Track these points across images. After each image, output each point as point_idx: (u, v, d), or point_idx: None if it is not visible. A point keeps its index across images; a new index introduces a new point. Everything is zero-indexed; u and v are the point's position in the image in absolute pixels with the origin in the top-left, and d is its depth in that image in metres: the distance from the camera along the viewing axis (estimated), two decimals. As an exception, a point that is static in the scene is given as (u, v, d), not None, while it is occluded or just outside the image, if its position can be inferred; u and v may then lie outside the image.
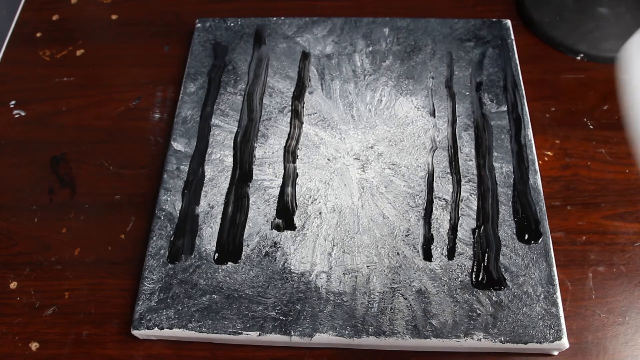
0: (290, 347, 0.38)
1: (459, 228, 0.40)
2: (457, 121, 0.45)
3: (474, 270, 0.38)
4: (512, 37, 0.49)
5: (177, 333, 0.36)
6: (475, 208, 0.40)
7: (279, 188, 0.42)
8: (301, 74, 0.48)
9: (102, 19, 0.55)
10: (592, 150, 0.45)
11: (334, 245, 0.39)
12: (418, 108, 0.45)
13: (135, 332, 0.37)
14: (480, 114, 0.45)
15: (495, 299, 0.37)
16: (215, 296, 0.37)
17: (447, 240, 0.39)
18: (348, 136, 0.44)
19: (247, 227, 0.40)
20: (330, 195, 0.41)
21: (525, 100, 0.45)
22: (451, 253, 0.39)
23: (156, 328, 0.36)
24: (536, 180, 0.41)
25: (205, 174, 0.43)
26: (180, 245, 0.40)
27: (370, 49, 0.49)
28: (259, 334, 0.36)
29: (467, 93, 0.46)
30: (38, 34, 0.54)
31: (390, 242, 0.39)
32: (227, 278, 0.38)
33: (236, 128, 0.45)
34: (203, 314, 0.37)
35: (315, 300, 0.37)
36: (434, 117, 0.45)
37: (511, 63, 0.47)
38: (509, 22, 0.50)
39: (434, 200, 0.41)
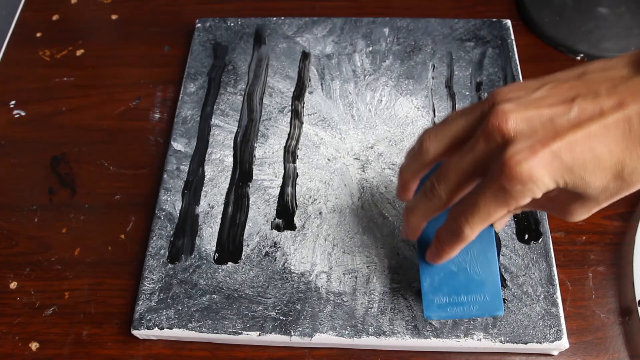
0: (290, 347, 0.37)
1: (459, 228, 0.40)
2: (457, 121, 0.44)
3: (474, 270, 0.38)
4: (512, 37, 0.49)
5: (177, 333, 0.36)
6: (475, 208, 0.40)
7: (279, 188, 0.42)
8: (301, 74, 0.48)
9: (102, 19, 0.55)
10: (592, 150, 0.45)
11: (334, 246, 0.39)
12: (418, 108, 0.45)
13: (135, 332, 0.37)
14: (480, 114, 0.45)
15: (495, 299, 0.37)
16: (215, 296, 0.37)
17: (447, 240, 0.39)
18: (348, 136, 0.44)
19: (247, 227, 0.40)
20: (330, 195, 0.41)
21: (525, 100, 0.45)
22: (451, 253, 0.39)
23: (156, 328, 0.36)
24: (536, 180, 0.41)
25: (205, 174, 0.43)
26: (180, 245, 0.40)
27: (370, 49, 0.49)
28: (259, 334, 0.36)
29: (467, 93, 0.46)
30: (38, 34, 0.54)
31: (390, 242, 0.39)
32: (227, 278, 0.38)
33: (236, 128, 0.45)
34: (203, 314, 0.37)
35: (315, 300, 0.37)
36: (435, 116, 0.45)
37: (511, 63, 0.47)
38: (509, 22, 0.50)
39: (434, 200, 0.41)
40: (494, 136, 0.25)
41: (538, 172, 0.24)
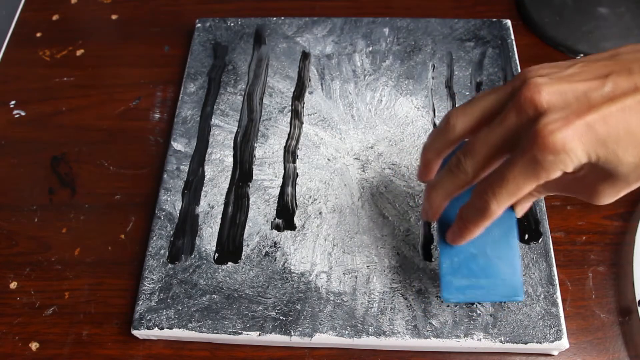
0: (290, 347, 0.38)
1: (459, 228, 0.40)
2: (457, 121, 0.44)
3: (474, 270, 0.38)
4: (512, 37, 0.49)
5: (177, 333, 0.36)
6: (475, 208, 0.40)
7: (279, 188, 0.42)
8: (301, 74, 0.48)
9: (102, 19, 0.55)
10: (592, 150, 0.45)
11: (334, 245, 0.39)
12: (418, 108, 0.45)
13: (135, 332, 0.37)
14: (480, 114, 0.45)
15: (495, 299, 0.37)
16: (215, 296, 0.37)
17: (447, 240, 0.39)
18: (348, 136, 0.44)
19: (247, 227, 0.40)
20: (330, 195, 0.41)
21: (525, 100, 0.45)
22: (451, 253, 0.39)
23: (156, 328, 0.36)
24: (536, 180, 0.41)
25: (205, 174, 0.43)
26: (180, 245, 0.40)
27: (370, 49, 0.49)
28: (259, 334, 0.36)
29: (467, 93, 0.46)
30: (38, 34, 0.54)
31: (390, 242, 0.39)
32: (227, 278, 0.38)
33: (236, 128, 0.45)
34: (203, 314, 0.37)
35: (315, 300, 0.37)
36: (435, 116, 0.45)
37: (511, 63, 0.47)
38: (509, 22, 0.50)
39: (434, 200, 0.41)
40: (525, 108, 0.25)
41: (572, 143, 0.23)
